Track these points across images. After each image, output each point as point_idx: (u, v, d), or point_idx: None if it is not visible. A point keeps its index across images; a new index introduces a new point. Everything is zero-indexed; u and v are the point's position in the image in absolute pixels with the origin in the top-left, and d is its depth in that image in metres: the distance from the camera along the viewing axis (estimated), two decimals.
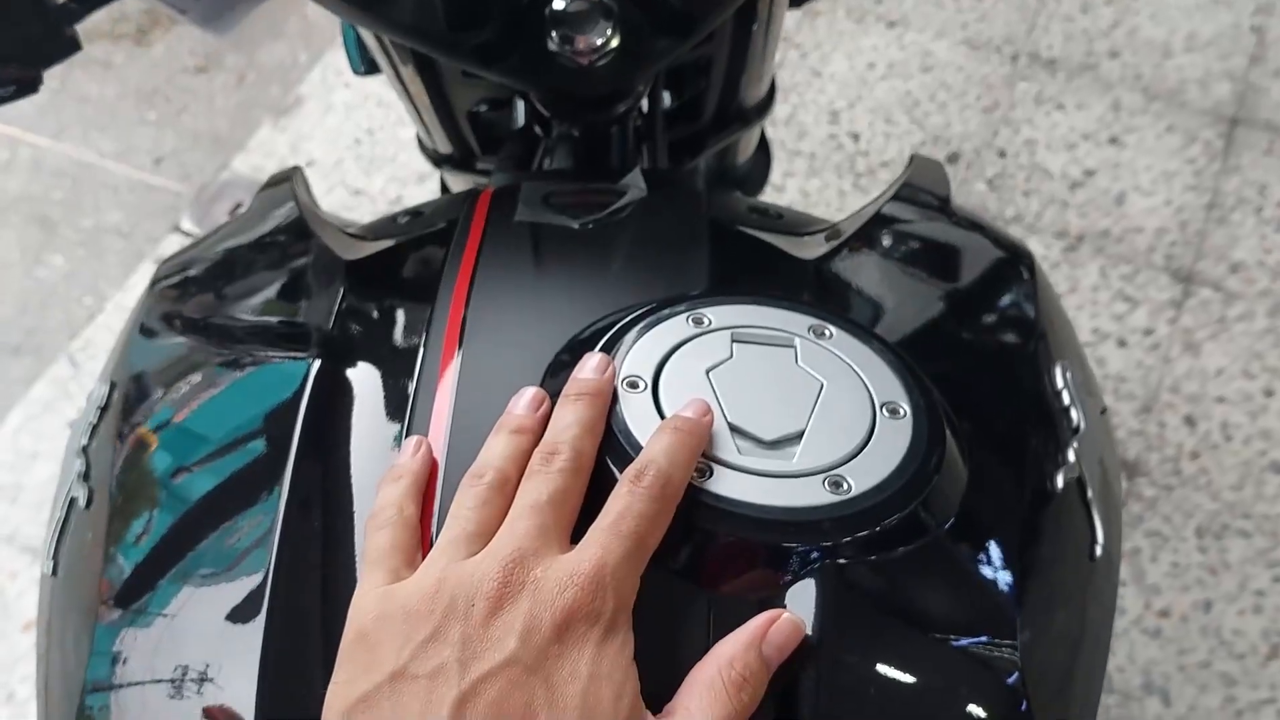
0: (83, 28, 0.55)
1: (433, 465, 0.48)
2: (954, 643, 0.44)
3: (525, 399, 0.48)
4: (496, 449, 0.46)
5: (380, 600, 0.41)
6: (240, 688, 0.44)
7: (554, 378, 0.51)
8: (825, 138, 1.94)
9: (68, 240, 1.90)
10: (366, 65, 0.90)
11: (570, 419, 0.46)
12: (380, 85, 2.04)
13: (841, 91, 2.00)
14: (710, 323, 0.50)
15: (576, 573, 0.40)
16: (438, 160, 0.96)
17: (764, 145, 1.14)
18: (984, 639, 0.45)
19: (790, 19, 2.10)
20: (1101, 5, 2.11)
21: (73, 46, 0.54)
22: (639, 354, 0.49)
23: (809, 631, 0.42)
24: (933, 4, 2.12)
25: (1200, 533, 1.53)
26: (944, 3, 2.12)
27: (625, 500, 0.42)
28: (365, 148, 1.98)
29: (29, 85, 0.53)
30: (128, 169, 1.98)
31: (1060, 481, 0.51)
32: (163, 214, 1.93)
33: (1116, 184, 1.88)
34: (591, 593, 0.40)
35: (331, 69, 2.10)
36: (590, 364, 0.48)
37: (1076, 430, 0.54)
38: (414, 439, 0.48)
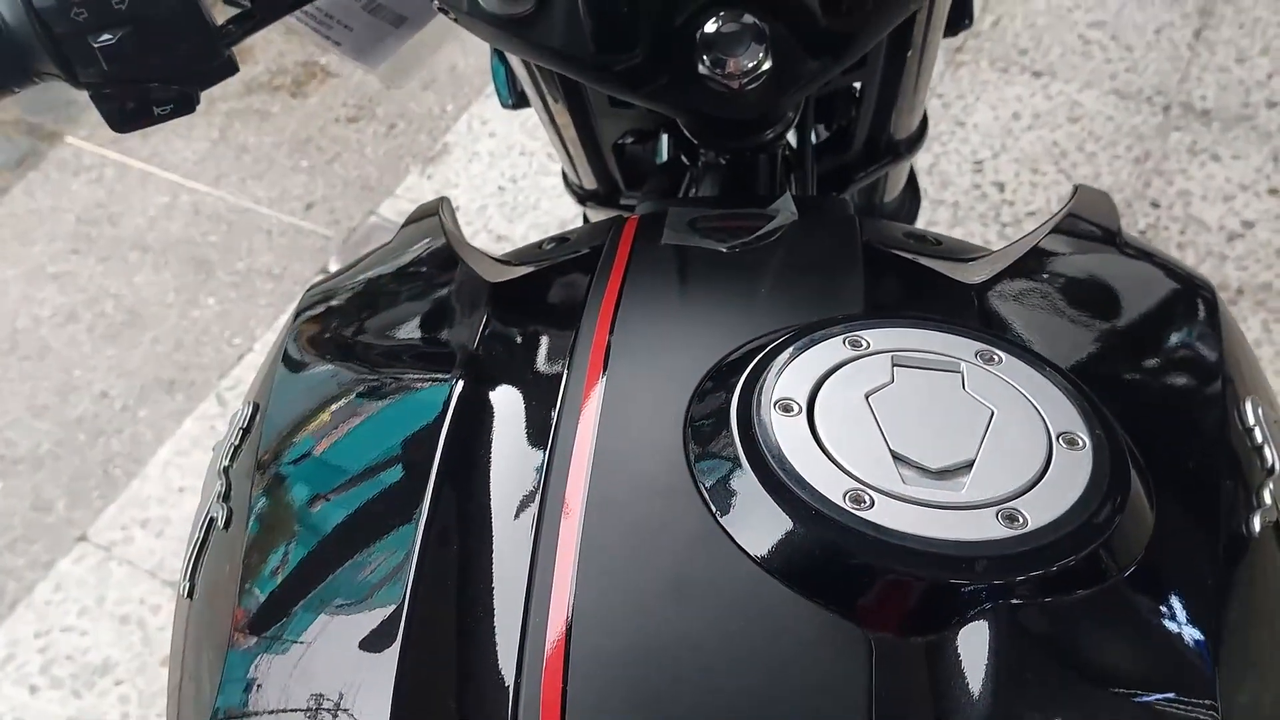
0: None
1: None
2: (1141, 699, 0.41)
3: None
4: None
5: None
6: (374, 718, 0.42)
7: (701, 402, 0.49)
8: (969, 187, 1.90)
9: (221, 282, 1.97)
10: (515, 98, 0.90)
11: None
12: (524, 135, 2.07)
13: (985, 141, 1.96)
14: (869, 345, 0.48)
15: None
16: (582, 197, 0.95)
17: (913, 183, 1.12)
18: (1177, 696, 0.41)
19: None
20: (1257, 55, 2.03)
21: (230, 68, 0.55)
22: (792, 376, 0.47)
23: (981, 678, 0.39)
24: (1080, 54, 2.07)
25: None
26: (1092, 52, 2.06)
27: None
28: (509, 195, 2.02)
29: (186, 104, 0.54)
30: (280, 214, 2.05)
31: (1256, 525, 0.47)
32: (312, 257, 1.99)
33: (1278, 236, 1.78)
34: None
35: (477, 119, 2.14)
36: None
37: (1272, 470, 0.49)
38: None
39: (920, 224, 1.87)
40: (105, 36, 0.50)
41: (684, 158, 0.76)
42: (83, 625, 1.59)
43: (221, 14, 0.55)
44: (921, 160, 1.93)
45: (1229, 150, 1.90)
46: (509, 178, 2.04)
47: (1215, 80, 2.00)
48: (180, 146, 2.15)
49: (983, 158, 1.94)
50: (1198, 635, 0.42)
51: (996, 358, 0.48)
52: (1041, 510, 0.41)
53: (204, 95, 0.56)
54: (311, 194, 2.08)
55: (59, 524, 1.71)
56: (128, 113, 0.54)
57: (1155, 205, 1.85)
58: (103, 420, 1.82)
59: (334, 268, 1.96)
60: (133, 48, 0.50)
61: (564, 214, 1.92)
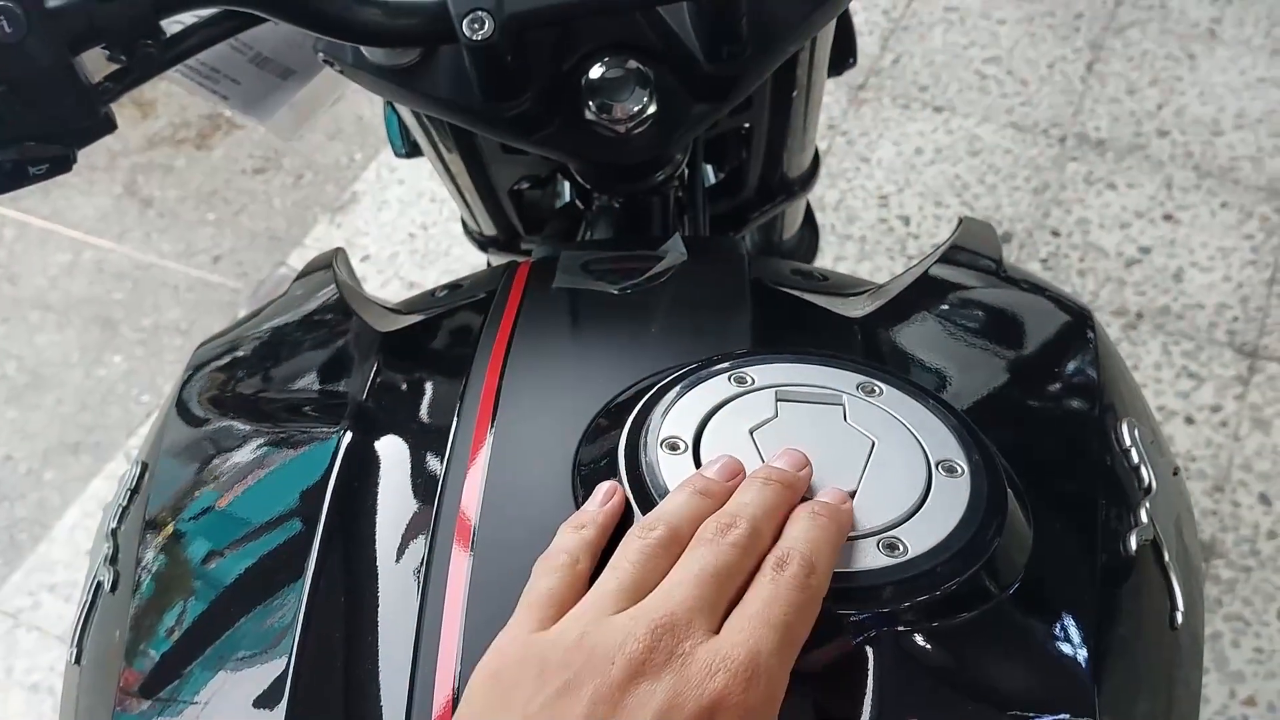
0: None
1: (618, 517, 0.44)
2: (1024, 717, 0.41)
3: (720, 464, 0.45)
4: (674, 505, 0.43)
5: (521, 645, 0.39)
6: None
7: (590, 444, 0.49)
8: (875, 221, 1.93)
9: (127, 339, 1.93)
10: (408, 148, 0.90)
11: (754, 498, 0.42)
12: (433, 183, 2.07)
13: (890, 176, 2.00)
14: (753, 382, 0.49)
15: (730, 658, 0.37)
16: (483, 243, 0.96)
17: (810, 221, 1.13)
18: (1061, 716, 0.42)
19: (835, 106, 2.11)
20: (1147, 86, 2.10)
21: (107, 126, 0.54)
22: (678, 415, 0.47)
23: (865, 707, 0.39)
24: (977, 89, 2.12)
25: None
26: (989, 88, 2.12)
27: (770, 589, 0.39)
28: (419, 242, 2.01)
29: (62, 164, 0.53)
30: (187, 268, 2.02)
31: (1134, 544, 0.48)
32: (220, 310, 1.96)
33: (1173, 261, 1.84)
34: (745, 682, 0.36)
35: (386, 167, 2.14)
36: (787, 457, 0.45)
37: (1148, 490, 0.51)
38: (607, 485, 0.45)
39: (828, 258, 1.90)
40: None
41: (579, 202, 0.76)
42: None
43: (100, 70, 0.55)
44: (829, 196, 1.97)
45: (1124, 179, 1.96)
46: (419, 225, 2.04)
47: (1108, 111, 2.07)
48: (82, 203, 2.10)
49: (888, 192, 1.98)
50: (1078, 653, 0.44)
51: (877, 389, 0.49)
52: (921, 538, 0.42)
53: (106, 150, 0.55)
54: (219, 247, 2.06)
55: None
56: (4, 174, 0.53)
57: (1055, 234, 1.90)
58: (7, 485, 1.77)
59: None
60: (5, 109, 0.49)
61: (476, 259, 1.92)
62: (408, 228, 2.03)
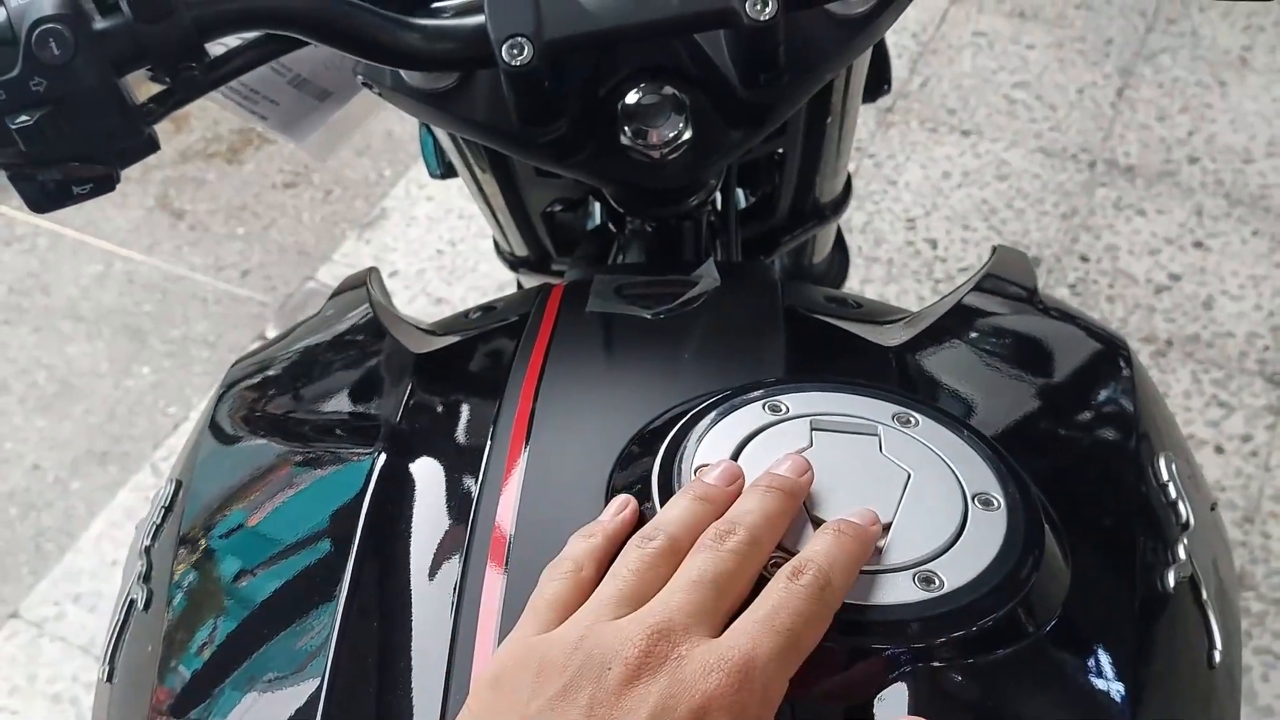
0: (179, 148, 0.55)
1: (630, 529, 0.44)
2: None
3: (720, 469, 0.46)
4: (674, 513, 0.44)
5: (523, 648, 0.40)
6: None
7: (623, 470, 0.49)
8: (902, 244, 1.93)
9: (156, 351, 1.94)
10: (443, 169, 0.91)
11: (755, 505, 0.43)
12: (461, 199, 2.08)
13: (917, 199, 2.00)
14: (788, 410, 0.48)
15: (725, 659, 0.37)
16: (514, 263, 0.96)
17: (841, 244, 1.13)
18: None
19: (863, 129, 2.11)
20: (1177, 113, 2.09)
21: (151, 146, 0.54)
22: (713, 442, 0.47)
23: None
24: (1006, 114, 2.12)
25: None
26: (1017, 112, 2.12)
27: (781, 595, 0.40)
28: (447, 258, 2.02)
29: (106, 183, 0.54)
30: (216, 281, 2.04)
31: (1171, 581, 0.48)
32: (248, 324, 1.97)
33: (1203, 289, 1.83)
34: (737, 683, 0.37)
35: (414, 183, 2.15)
36: (788, 463, 0.45)
37: (1186, 526, 0.50)
38: (621, 499, 0.46)
39: (855, 281, 1.90)
40: (23, 118, 0.49)
41: (611, 225, 0.76)
42: (14, 705, 1.55)
43: (144, 91, 0.55)
44: (856, 219, 1.96)
45: (1154, 205, 1.95)
46: (447, 241, 2.05)
47: (1138, 138, 2.06)
48: (114, 215, 2.12)
49: (915, 215, 1.97)
50: (1116, 690, 0.43)
51: (913, 420, 0.48)
52: (958, 572, 0.42)
53: (139, 163, 0.56)
54: (248, 260, 2.07)
55: None
56: (48, 193, 0.53)
57: (1084, 259, 1.89)
58: (34, 494, 1.78)
59: (271, 334, 1.94)
60: (51, 129, 0.50)
61: (502, 276, 1.93)
62: (435, 244, 2.04)
